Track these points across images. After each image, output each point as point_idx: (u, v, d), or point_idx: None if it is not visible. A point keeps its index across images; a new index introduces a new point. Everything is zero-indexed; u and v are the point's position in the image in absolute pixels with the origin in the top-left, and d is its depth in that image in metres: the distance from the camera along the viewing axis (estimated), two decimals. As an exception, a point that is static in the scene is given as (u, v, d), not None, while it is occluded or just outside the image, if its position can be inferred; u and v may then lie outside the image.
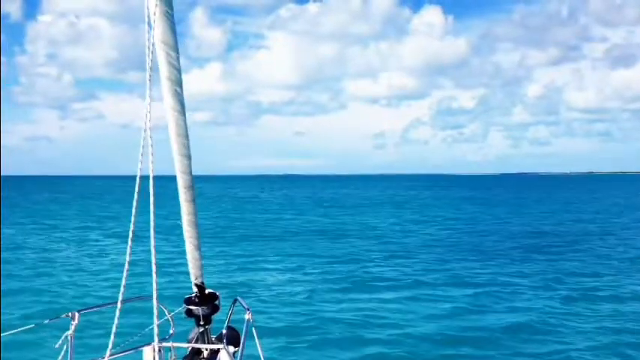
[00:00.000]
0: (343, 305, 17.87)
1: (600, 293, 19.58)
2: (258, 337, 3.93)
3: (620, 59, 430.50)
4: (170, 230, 25.27)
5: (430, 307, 17.62)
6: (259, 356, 3.90)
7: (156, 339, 3.50)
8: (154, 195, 3.37)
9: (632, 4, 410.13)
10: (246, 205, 74.79)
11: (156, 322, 3.43)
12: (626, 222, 47.77)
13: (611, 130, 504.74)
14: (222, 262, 25.76)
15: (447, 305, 17.87)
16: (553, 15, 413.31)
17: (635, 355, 13.22)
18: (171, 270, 21.04)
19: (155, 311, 3.40)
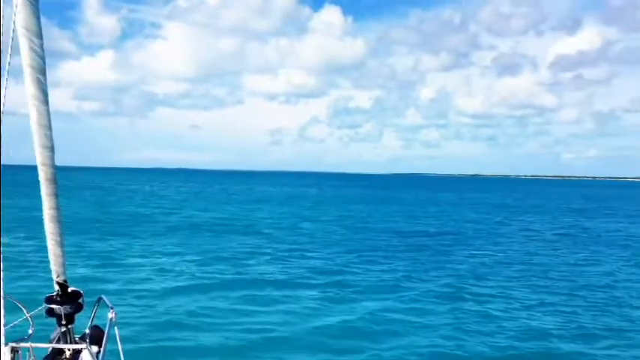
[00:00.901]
0: (212, 303, 17.66)
1: (459, 293, 20.39)
2: (120, 337, 3.83)
3: (507, 68, 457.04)
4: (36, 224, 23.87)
5: (291, 306, 17.80)
6: (121, 356, 3.79)
7: (2, 339, 3.33)
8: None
9: (519, 16, 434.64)
10: (121, 199, 71.19)
11: (2, 320, 3.26)
12: (498, 225, 50.41)
13: (497, 135, 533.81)
14: (87, 258, 24.50)
15: (303, 304, 18.12)
16: (446, 22, 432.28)
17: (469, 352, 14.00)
18: (34, 267, 20.09)
19: (2, 310, 3.22)
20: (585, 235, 40.44)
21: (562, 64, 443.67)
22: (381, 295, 19.65)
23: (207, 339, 13.98)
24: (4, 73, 3.18)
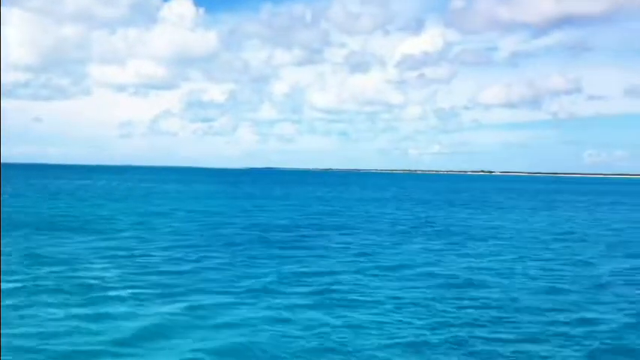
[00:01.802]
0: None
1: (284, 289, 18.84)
2: None
3: (358, 65, 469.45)
4: None
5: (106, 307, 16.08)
6: None
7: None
8: None
9: (367, 15, 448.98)
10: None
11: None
12: (354, 217, 49.79)
13: (348, 130, 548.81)
14: None
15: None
16: (298, 18, 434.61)
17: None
18: None
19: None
20: (436, 226, 40.59)
21: (408, 63, 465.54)
22: (229, 295, 17.18)
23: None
24: None
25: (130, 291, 18.23)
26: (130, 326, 14.57)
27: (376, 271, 22.70)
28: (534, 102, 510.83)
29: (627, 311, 17.28)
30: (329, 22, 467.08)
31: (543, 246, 31.47)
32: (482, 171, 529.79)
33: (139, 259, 24.16)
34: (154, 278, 20.32)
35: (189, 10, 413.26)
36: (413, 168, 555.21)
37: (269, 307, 16.71)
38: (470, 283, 20.79)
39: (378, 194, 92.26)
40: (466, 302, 17.97)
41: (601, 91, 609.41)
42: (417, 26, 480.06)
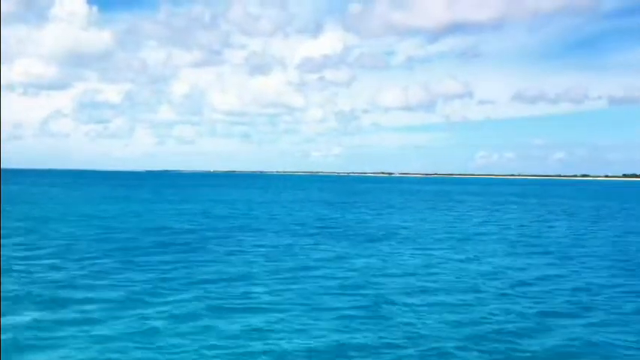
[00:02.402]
0: None
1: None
2: None
3: (258, 67, 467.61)
4: None
5: None
6: None
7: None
8: None
9: (267, 17, 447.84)
10: None
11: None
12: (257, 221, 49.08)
13: (250, 132, 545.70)
14: None
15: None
16: (197, 18, 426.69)
17: None
18: None
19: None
20: (337, 227, 40.66)
21: (308, 65, 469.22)
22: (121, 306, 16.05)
23: None
24: None
25: None
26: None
27: (275, 274, 22.20)
28: (429, 105, 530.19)
29: (510, 309, 17.73)
30: (229, 23, 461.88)
31: (442, 245, 32.14)
32: (383, 172, 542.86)
33: (18, 266, 22.39)
34: (32, 287, 18.80)
35: (81, 8, 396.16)
36: (315, 170, 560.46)
37: (144, 318, 15.69)
38: (363, 284, 20.73)
39: (279, 196, 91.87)
40: (356, 301, 17.83)
41: (491, 96, 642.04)
42: (316, 29, 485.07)
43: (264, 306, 17.24)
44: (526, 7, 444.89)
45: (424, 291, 19.74)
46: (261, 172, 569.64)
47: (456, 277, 22.34)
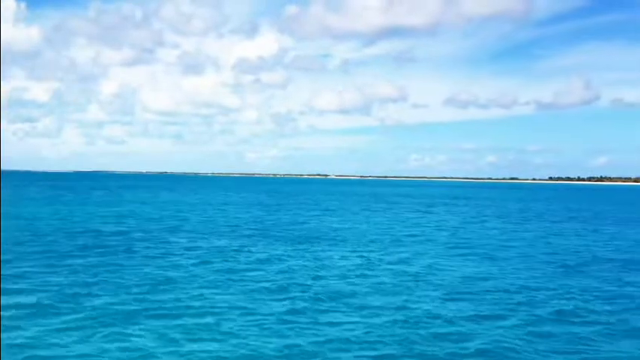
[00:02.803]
0: None
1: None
2: None
3: (192, 67, 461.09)
4: None
5: None
6: None
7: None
8: None
9: (200, 16, 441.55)
10: None
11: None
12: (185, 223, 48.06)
13: (183, 132, 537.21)
14: None
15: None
16: (128, 17, 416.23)
17: None
18: None
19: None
20: (273, 229, 40.14)
21: (243, 66, 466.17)
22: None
23: None
24: None
25: None
26: None
27: (206, 277, 21.53)
28: (365, 108, 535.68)
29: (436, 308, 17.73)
30: (161, 22, 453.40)
31: (375, 246, 32.11)
32: (319, 174, 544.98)
33: None
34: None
35: (9, 4, 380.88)
36: (250, 171, 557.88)
37: (62, 323, 14.94)
38: (295, 287, 20.36)
39: (213, 198, 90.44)
40: (288, 304, 17.45)
41: (425, 100, 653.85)
42: (251, 30, 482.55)
43: (193, 311, 16.61)
44: (460, 14, 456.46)
45: (356, 293, 19.53)
46: (195, 173, 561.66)
47: (388, 279, 22.26)
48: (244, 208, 64.39)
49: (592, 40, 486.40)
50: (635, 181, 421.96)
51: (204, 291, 19.17)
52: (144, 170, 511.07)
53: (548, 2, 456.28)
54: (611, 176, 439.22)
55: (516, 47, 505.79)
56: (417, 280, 22.10)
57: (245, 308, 17.03)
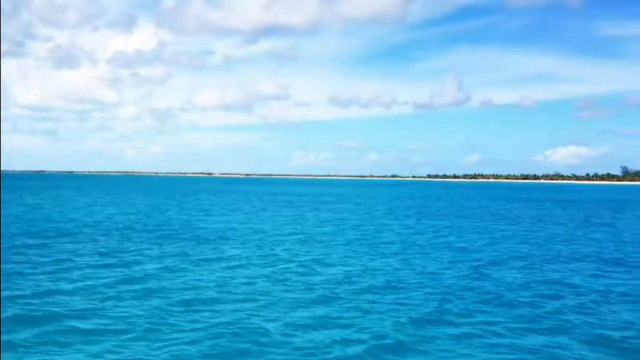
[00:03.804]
0: None
1: None
2: None
3: (65, 60, 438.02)
4: None
5: None
6: None
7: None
8: None
9: (74, 8, 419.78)
10: None
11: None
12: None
13: (58, 129, 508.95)
14: None
15: None
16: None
17: None
18: None
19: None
20: (163, 229, 36.93)
21: (120, 60, 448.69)
22: None
23: None
24: None
25: None
26: None
27: (89, 289, 18.47)
28: (248, 106, 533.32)
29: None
30: (31, 13, 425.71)
31: (283, 247, 30.01)
32: (203, 173, 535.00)
33: None
34: None
35: None
36: (130, 170, 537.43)
37: None
38: (193, 297, 17.85)
39: (94, 198, 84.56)
40: (187, 316, 14.97)
41: (307, 99, 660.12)
42: (128, 23, 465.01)
43: (76, 328, 13.71)
44: (339, 14, 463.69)
45: (270, 304, 17.32)
46: (71, 172, 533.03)
47: (297, 284, 20.22)
48: (124, 208, 59.98)
49: (463, 44, 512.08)
50: (506, 178, 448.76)
51: (85, 305, 16.21)
52: (18, 169, 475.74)
53: (422, 7, 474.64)
54: (484, 173, 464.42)
55: (394, 49, 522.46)
56: (331, 283, 20.20)
57: (130, 324, 14.32)
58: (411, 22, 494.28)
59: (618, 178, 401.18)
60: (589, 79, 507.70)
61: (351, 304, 17.34)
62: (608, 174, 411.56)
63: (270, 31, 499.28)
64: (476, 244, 32.86)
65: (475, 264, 25.54)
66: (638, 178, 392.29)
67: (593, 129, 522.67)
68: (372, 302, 17.71)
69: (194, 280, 20.69)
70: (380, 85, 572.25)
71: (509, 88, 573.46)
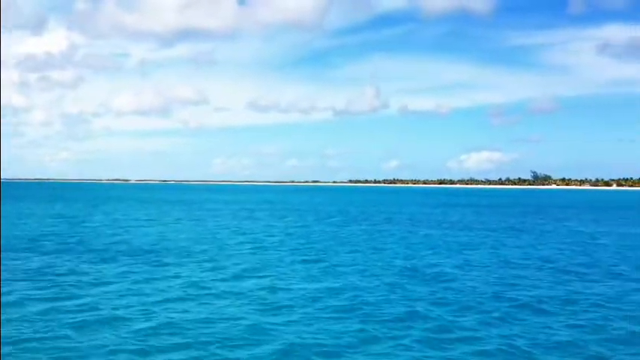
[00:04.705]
0: None
1: None
2: None
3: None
4: None
5: None
6: None
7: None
8: None
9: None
10: None
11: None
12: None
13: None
14: None
15: None
16: None
17: None
18: None
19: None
20: (77, 241, 34.63)
21: (29, 64, 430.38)
22: None
23: None
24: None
25: None
26: None
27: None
28: (165, 111, 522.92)
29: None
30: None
31: (217, 259, 28.58)
32: (118, 179, 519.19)
33: None
34: None
35: None
36: (39, 177, 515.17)
37: None
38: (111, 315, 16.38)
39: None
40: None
41: (227, 104, 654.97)
42: (38, 25, 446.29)
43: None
44: (256, 20, 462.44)
45: (195, 323, 16.08)
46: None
47: (224, 302, 19.06)
48: (35, 219, 56.46)
49: (381, 51, 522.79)
50: (423, 183, 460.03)
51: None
52: None
53: (340, 15, 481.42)
54: (403, 178, 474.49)
55: (314, 55, 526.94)
56: (247, 298, 19.15)
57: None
58: (330, 29, 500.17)
59: (529, 182, 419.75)
60: (499, 87, 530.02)
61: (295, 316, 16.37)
62: (519, 178, 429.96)
63: (187, 35, 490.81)
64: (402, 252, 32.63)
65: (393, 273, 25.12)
66: (547, 183, 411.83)
67: (505, 135, 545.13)
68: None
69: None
70: (299, 90, 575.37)
71: (426, 96, 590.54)
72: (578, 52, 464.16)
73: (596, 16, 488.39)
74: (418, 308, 18.18)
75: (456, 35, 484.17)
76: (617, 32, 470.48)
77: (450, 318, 17.07)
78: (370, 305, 18.65)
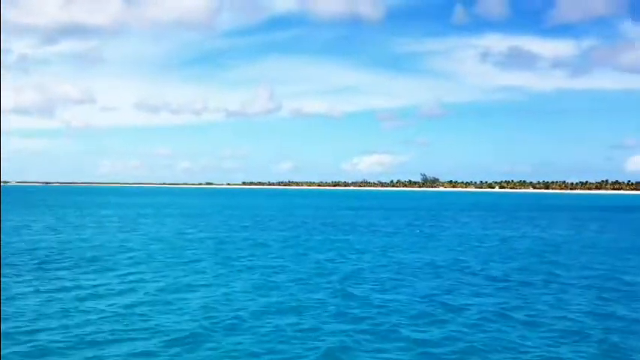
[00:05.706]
0: None
1: None
2: None
3: None
4: None
5: None
6: None
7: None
8: None
9: None
10: None
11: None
12: None
13: None
14: None
15: None
16: None
17: None
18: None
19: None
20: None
21: None
22: None
23: None
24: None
25: None
26: None
27: None
28: (48, 110, 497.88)
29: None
30: None
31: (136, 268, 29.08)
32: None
33: None
34: None
35: None
36: None
37: None
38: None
39: None
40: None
41: (115, 103, 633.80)
42: None
43: None
44: (144, 17, 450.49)
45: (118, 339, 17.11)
46: None
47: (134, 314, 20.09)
48: None
49: (273, 53, 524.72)
50: (318, 185, 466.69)
51: None
52: None
53: (232, 16, 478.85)
54: (297, 180, 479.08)
55: (205, 55, 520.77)
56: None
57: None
58: (222, 30, 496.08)
59: (419, 185, 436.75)
60: (390, 92, 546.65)
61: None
62: (410, 181, 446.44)
63: (71, 31, 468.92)
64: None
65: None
66: (435, 185, 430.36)
67: (395, 138, 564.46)
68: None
69: None
70: (191, 91, 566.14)
71: (318, 99, 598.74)
72: (463, 60, 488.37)
73: (478, 26, 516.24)
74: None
75: (347, 40, 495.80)
76: (498, 42, 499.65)
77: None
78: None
